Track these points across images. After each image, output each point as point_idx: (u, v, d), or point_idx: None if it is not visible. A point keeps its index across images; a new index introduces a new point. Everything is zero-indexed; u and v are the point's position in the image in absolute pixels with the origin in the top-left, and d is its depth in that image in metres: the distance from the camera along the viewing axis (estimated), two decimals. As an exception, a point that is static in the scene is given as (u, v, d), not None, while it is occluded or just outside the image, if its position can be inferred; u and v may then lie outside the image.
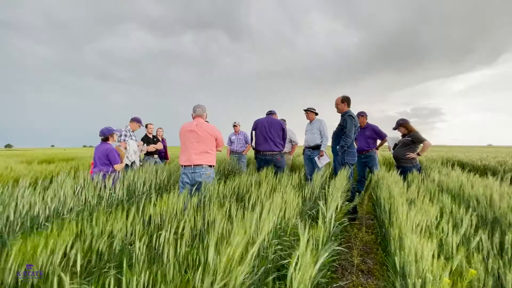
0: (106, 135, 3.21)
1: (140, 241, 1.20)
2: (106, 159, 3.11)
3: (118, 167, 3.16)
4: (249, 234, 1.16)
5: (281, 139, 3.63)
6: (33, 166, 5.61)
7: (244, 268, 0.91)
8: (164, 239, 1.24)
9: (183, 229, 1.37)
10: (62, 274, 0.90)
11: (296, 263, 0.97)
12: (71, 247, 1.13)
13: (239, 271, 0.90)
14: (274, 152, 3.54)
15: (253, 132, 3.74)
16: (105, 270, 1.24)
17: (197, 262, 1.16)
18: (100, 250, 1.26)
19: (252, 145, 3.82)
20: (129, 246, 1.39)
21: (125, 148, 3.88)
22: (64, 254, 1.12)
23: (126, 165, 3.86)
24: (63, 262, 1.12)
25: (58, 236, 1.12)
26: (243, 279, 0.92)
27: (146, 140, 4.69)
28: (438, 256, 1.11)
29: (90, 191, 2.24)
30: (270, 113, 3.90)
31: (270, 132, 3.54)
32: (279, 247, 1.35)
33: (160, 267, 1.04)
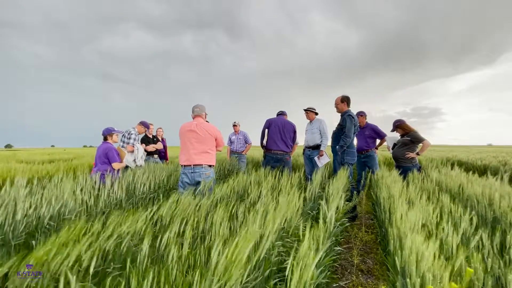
0: (105, 135, 3.29)
1: (143, 242, 1.20)
2: (105, 157, 3.14)
3: (117, 165, 3.16)
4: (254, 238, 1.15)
5: (292, 141, 3.78)
6: (39, 166, 5.64)
7: (244, 271, 0.91)
8: (168, 240, 1.24)
9: (185, 231, 1.37)
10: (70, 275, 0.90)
11: (298, 264, 0.97)
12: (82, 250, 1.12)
13: (239, 273, 0.90)
14: (285, 152, 3.66)
15: (266, 130, 3.77)
16: (110, 270, 1.24)
17: (198, 263, 1.16)
18: (106, 251, 1.25)
19: (263, 144, 3.85)
20: (134, 247, 1.39)
21: (132, 152, 3.86)
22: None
23: (127, 166, 3.86)
24: (76, 265, 1.11)
25: (68, 241, 1.11)
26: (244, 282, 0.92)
27: (146, 140, 4.69)
28: (438, 256, 1.11)
29: (88, 191, 2.23)
30: (282, 113, 3.95)
31: (283, 133, 3.64)
32: (282, 248, 1.35)
33: (163, 268, 1.03)
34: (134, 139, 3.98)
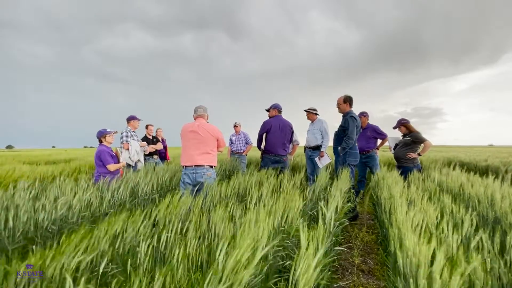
0: (98, 138, 3.32)
1: (145, 242, 1.21)
2: (99, 160, 3.19)
3: (111, 167, 3.17)
4: (255, 238, 1.17)
5: (289, 142, 3.78)
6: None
7: (250, 271, 0.92)
8: (171, 240, 1.26)
9: (187, 230, 1.38)
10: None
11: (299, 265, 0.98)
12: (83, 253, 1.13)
13: (245, 273, 0.91)
14: (283, 154, 3.67)
15: (264, 134, 3.72)
16: (111, 272, 1.25)
17: (200, 263, 1.17)
18: (107, 252, 1.27)
19: (261, 148, 3.81)
20: (137, 247, 1.41)
21: (127, 149, 3.90)
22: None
23: (129, 165, 3.89)
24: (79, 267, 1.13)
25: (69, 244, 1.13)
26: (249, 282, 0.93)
27: (146, 141, 4.71)
28: (439, 256, 1.11)
29: (91, 192, 2.25)
30: (275, 108, 3.74)
31: (282, 137, 3.62)
32: (281, 248, 1.36)
33: (168, 268, 1.04)
34: (127, 136, 4.03)
